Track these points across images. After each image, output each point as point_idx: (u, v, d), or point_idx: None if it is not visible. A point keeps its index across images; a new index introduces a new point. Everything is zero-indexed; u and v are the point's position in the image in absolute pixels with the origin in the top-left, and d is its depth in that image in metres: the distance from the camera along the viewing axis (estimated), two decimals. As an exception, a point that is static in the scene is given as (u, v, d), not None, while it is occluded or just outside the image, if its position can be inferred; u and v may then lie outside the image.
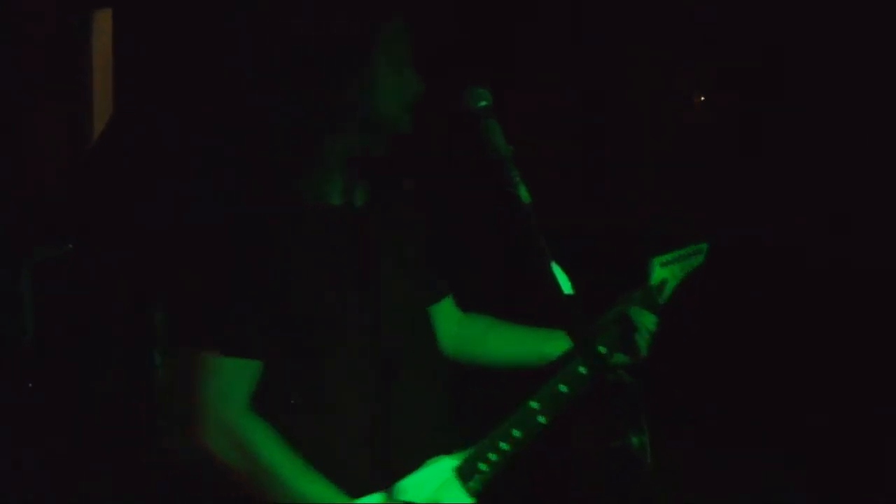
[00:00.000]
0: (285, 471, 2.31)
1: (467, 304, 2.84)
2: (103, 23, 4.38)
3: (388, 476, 2.42)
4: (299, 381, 2.37)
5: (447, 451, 2.51)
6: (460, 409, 2.64)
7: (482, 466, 2.50)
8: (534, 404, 2.54)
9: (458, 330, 2.80)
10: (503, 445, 2.51)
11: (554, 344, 2.70)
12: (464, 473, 2.50)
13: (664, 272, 2.78)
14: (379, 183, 2.53)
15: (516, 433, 2.52)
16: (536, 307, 2.70)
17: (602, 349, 2.65)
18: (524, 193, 2.12)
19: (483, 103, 2.21)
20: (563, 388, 2.54)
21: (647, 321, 2.68)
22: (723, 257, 3.69)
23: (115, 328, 3.91)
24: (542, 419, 2.53)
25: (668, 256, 2.78)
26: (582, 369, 2.55)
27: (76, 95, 4.38)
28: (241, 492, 2.34)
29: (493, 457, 2.51)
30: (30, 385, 3.95)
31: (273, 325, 2.34)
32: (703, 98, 4.36)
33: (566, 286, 2.08)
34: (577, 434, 3.68)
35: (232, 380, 2.33)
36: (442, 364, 2.70)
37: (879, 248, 3.96)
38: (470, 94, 2.22)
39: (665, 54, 4.29)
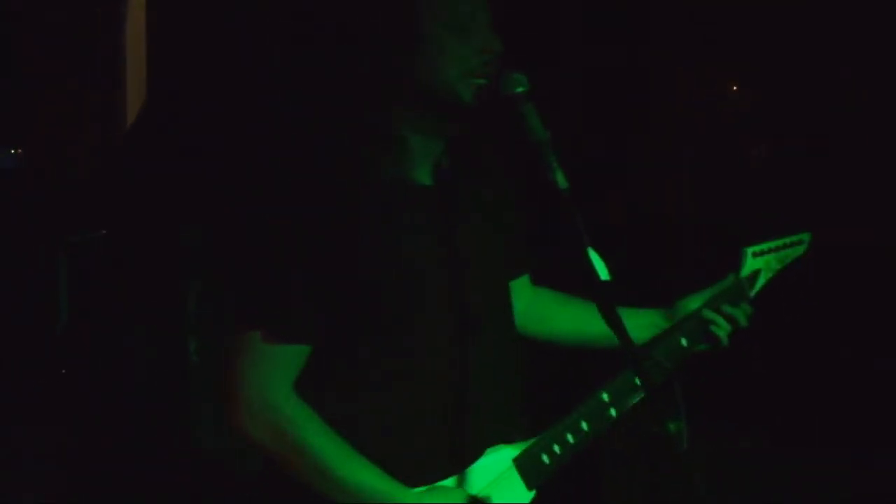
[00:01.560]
0: (331, 456, 2.23)
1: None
2: (136, 7, 4.39)
3: (461, 459, 2.32)
4: (368, 360, 2.28)
5: (513, 438, 2.39)
6: (532, 396, 2.51)
7: (545, 458, 2.39)
8: (605, 396, 2.42)
9: (527, 305, 2.67)
10: (570, 437, 2.40)
11: (630, 323, 2.62)
12: (524, 465, 2.38)
13: (757, 263, 2.69)
14: (460, 160, 2.41)
15: (585, 426, 2.41)
16: (572, 292, 2.70)
17: (684, 341, 2.57)
18: (561, 179, 2.09)
19: (520, 88, 2.17)
20: (637, 379, 2.40)
21: (736, 313, 2.59)
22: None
23: (148, 314, 3.92)
24: (613, 412, 2.42)
25: (762, 246, 2.70)
26: (662, 359, 2.50)
27: (109, 81, 4.40)
28: (289, 475, 2.26)
29: (557, 449, 2.39)
30: (63, 371, 3.97)
31: (334, 306, 2.25)
32: (735, 88, 4.34)
33: (603, 272, 2.06)
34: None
35: (275, 364, 2.26)
36: (518, 345, 2.55)
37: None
38: (507, 79, 2.20)
39: (699, 44, 4.27)
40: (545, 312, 2.69)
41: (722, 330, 2.58)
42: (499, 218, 2.48)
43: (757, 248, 2.70)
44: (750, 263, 2.69)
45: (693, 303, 2.63)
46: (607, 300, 2.04)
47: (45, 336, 3.94)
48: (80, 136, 4.34)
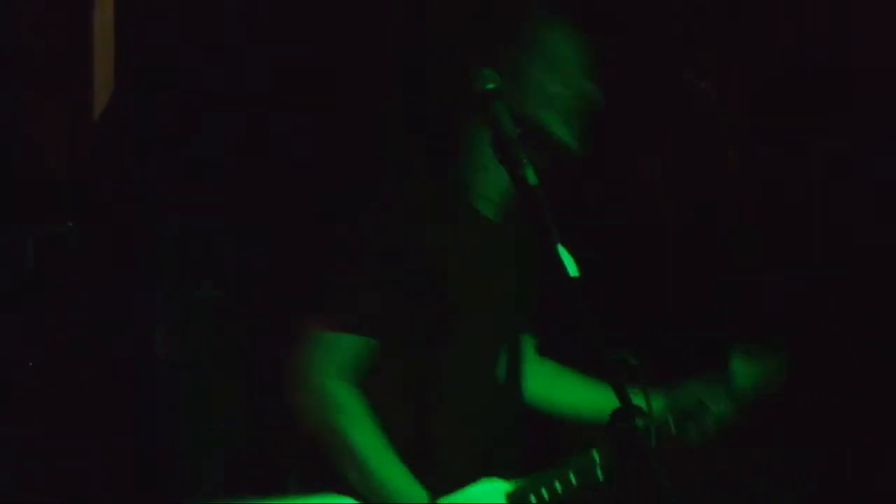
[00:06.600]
0: (366, 448, 2.36)
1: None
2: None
3: (429, 487, 2.41)
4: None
5: (505, 475, 2.48)
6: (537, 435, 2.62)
7: (532, 499, 2.47)
8: (595, 455, 2.49)
9: (534, 367, 2.77)
10: (557, 486, 2.48)
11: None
12: (515, 501, 2.46)
13: (741, 367, 2.74)
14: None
15: (572, 478, 2.49)
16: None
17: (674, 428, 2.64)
18: (531, 175, 2.10)
19: (491, 85, 2.18)
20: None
21: (716, 409, 2.66)
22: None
23: (117, 305, 3.91)
24: (599, 473, 2.48)
25: (746, 353, 2.74)
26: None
27: (76, 72, 4.37)
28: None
29: (545, 493, 2.47)
30: (29, 364, 3.95)
31: (386, 307, 2.42)
32: (712, 85, 4.32)
33: (572, 268, 2.06)
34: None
35: (330, 350, 2.41)
36: (515, 394, 2.65)
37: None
38: (478, 76, 2.21)
39: (674, 41, 4.26)
40: (545, 381, 2.77)
41: (697, 428, 2.67)
42: (527, 269, 2.61)
43: (741, 353, 2.74)
44: (736, 366, 2.73)
45: None
46: (578, 297, 2.04)
47: (11, 330, 3.91)
48: (46, 127, 4.31)
